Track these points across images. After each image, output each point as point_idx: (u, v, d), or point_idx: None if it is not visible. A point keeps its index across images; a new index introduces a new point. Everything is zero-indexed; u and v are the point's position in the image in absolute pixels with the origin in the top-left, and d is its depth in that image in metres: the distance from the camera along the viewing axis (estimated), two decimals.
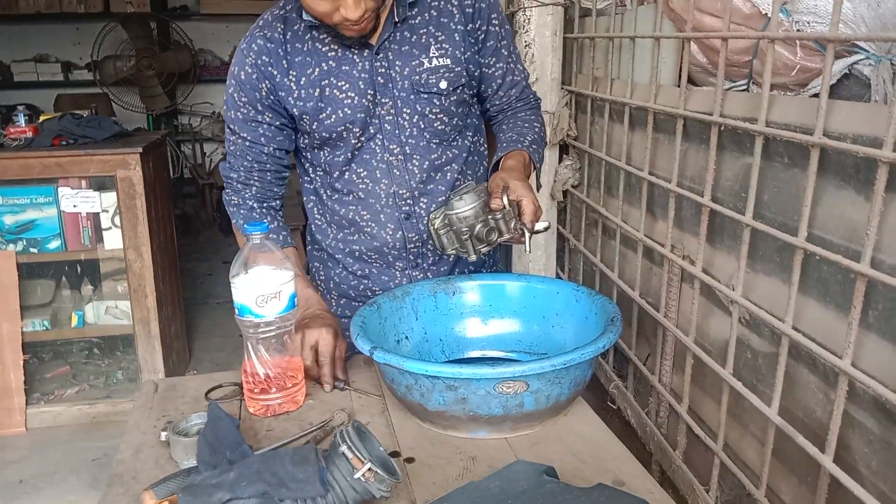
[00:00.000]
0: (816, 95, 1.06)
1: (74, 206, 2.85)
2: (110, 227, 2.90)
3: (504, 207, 1.19)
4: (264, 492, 0.81)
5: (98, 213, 2.88)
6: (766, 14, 1.32)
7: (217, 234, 6.04)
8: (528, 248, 1.24)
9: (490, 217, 1.20)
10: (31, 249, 2.87)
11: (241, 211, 1.41)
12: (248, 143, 1.37)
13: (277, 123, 1.37)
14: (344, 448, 0.84)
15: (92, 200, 2.86)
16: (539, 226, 1.23)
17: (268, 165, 1.40)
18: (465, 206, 1.19)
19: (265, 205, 1.42)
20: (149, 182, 2.90)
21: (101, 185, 2.87)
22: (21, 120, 2.90)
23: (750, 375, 1.31)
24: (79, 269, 3.07)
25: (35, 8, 5.57)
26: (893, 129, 0.89)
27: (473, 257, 1.22)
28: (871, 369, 0.98)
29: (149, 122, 6.08)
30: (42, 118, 3.02)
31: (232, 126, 1.38)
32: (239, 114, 1.36)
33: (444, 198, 1.38)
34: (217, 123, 6.31)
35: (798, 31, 1.28)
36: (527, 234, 1.21)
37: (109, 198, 2.86)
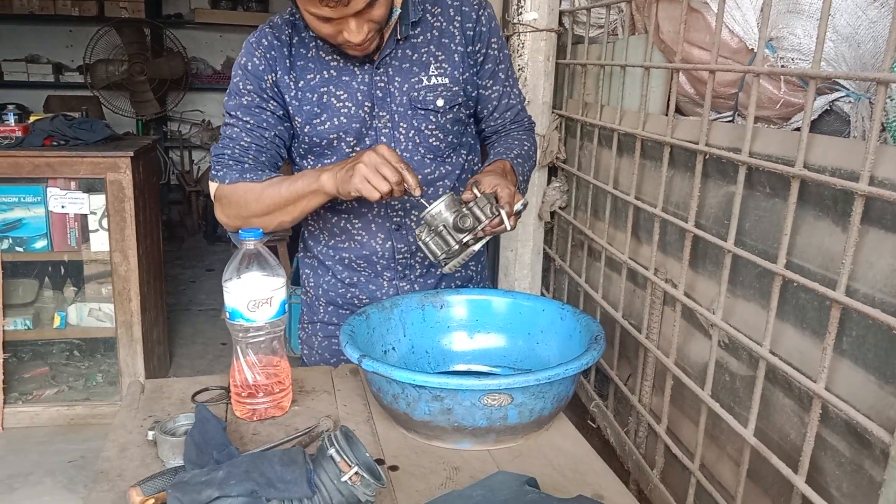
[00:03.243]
0: (798, 129, 1.10)
1: (63, 206, 2.86)
2: (97, 230, 2.90)
3: (475, 196, 1.20)
4: (252, 490, 0.83)
5: (86, 215, 2.89)
6: (752, 49, 1.37)
7: (202, 241, 6.03)
8: (508, 226, 1.22)
9: (464, 207, 1.21)
10: (17, 248, 2.87)
11: (234, 168, 1.35)
12: (249, 126, 1.36)
13: (280, 113, 1.38)
14: (332, 451, 0.85)
15: (80, 202, 2.86)
16: (517, 205, 1.23)
17: (265, 149, 1.37)
18: (436, 203, 1.21)
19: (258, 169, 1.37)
20: (138, 186, 2.91)
21: (90, 187, 2.88)
22: (11, 119, 2.90)
23: (727, 397, 1.34)
24: (63, 269, 3.07)
25: (29, 9, 5.60)
26: (869, 164, 0.93)
27: (456, 247, 1.22)
28: (844, 393, 1.01)
29: (138, 127, 6.08)
30: (33, 118, 3.03)
31: (233, 112, 1.37)
32: (243, 100, 1.36)
33: None
34: (207, 132, 6.32)
35: (782, 66, 1.32)
36: (504, 215, 1.21)
37: (98, 200, 2.87)
